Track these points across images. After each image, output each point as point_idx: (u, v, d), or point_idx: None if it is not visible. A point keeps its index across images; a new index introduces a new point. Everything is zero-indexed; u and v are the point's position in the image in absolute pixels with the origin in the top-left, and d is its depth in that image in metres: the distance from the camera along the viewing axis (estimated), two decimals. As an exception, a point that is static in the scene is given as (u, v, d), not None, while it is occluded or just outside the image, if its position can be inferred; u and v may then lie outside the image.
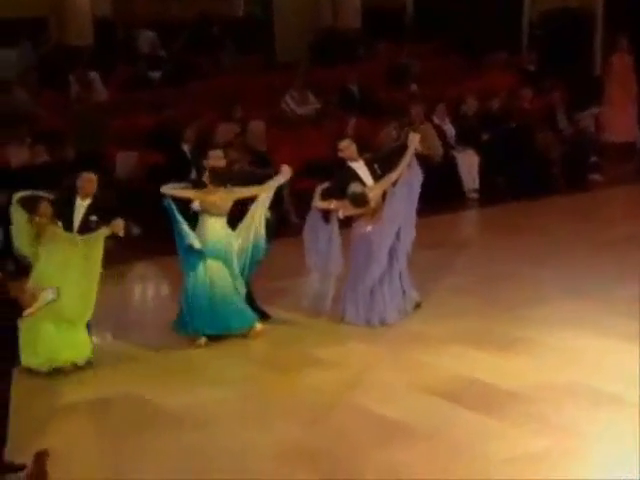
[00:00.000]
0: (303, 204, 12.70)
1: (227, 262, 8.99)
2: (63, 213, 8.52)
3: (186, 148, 12.66)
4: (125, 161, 12.71)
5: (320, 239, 9.35)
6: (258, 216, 9.10)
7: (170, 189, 8.98)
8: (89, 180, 8.67)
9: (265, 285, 9.73)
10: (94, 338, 8.82)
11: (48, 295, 7.14)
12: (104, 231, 8.38)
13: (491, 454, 7.02)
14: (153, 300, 10.85)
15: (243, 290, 9.12)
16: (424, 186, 9.58)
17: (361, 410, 7.70)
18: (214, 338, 9.00)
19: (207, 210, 9.00)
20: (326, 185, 9.42)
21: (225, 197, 8.98)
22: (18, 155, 11.95)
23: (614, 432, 7.23)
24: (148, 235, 11.91)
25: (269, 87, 14.42)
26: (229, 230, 9.07)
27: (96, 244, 8.36)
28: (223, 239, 9.00)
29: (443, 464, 6.92)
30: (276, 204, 12.45)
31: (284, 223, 12.44)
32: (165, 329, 9.18)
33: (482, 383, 8.12)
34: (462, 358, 8.62)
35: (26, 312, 6.95)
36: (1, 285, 6.74)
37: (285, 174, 9.26)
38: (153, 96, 13.81)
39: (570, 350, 8.63)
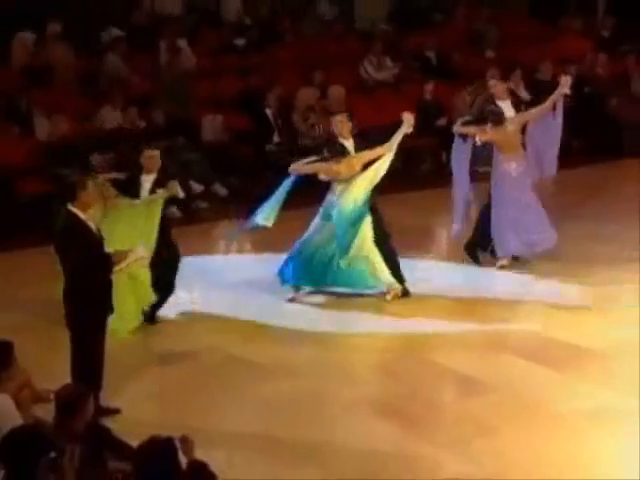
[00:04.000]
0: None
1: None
2: (129, 190, 8.35)
3: (269, 112, 12.66)
4: (211, 124, 12.74)
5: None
6: (378, 174, 8.82)
7: (297, 167, 8.92)
8: (151, 157, 8.49)
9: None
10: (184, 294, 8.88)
11: (138, 253, 7.21)
12: (162, 194, 8.21)
13: (563, 408, 6.94)
14: (237, 258, 10.87)
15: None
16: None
17: (435, 366, 7.65)
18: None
19: (334, 179, 8.84)
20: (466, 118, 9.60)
21: (351, 165, 8.79)
22: (111, 118, 12.05)
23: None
24: (234, 196, 11.96)
25: (349, 53, 14.30)
26: (353, 193, 8.80)
27: (155, 206, 8.18)
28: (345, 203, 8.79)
29: (516, 417, 6.87)
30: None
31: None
32: (247, 286, 9.17)
33: (554, 340, 8.02)
34: (535, 316, 8.49)
35: (117, 268, 7.03)
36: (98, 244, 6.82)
37: (407, 122, 8.95)
38: (238, 62, 13.80)
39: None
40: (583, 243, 10.07)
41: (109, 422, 6.19)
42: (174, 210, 11.74)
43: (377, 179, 8.80)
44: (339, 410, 7.04)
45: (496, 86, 9.75)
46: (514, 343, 8.01)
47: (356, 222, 8.73)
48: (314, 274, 8.85)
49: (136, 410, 6.98)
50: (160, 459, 4.75)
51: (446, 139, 12.73)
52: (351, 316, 8.79)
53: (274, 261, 9.22)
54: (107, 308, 6.90)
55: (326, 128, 12.38)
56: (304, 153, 12.48)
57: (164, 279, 8.36)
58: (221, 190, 12.23)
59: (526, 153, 9.57)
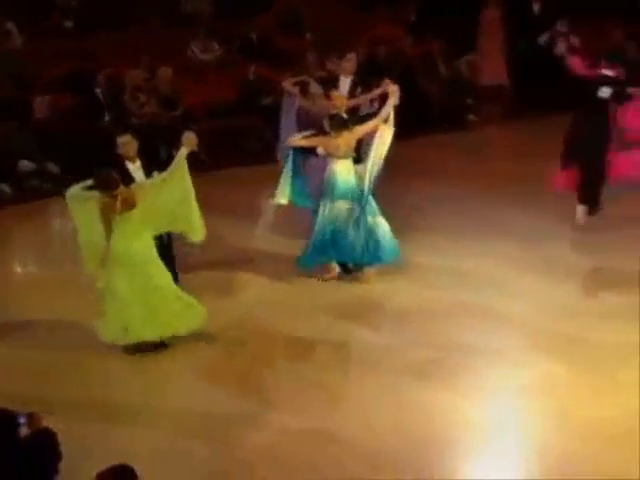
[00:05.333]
0: (209, 142, 12.67)
1: (355, 201, 8.53)
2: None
3: (98, 92, 12.40)
4: (41, 104, 12.31)
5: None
6: (380, 147, 8.54)
7: (296, 140, 8.65)
8: (126, 143, 7.58)
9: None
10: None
11: None
12: (183, 151, 7.38)
13: (387, 365, 7.11)
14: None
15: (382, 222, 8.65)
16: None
17: (266, 331, 7.72)
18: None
19: (333, 154, 8.52)
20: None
21: (349, 138, 8.51)
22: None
23: (501, 346, 7.38)
24: (66, 173, 11.60)
25: (177, 36, 14.13)
26: (355, 169, 8.56)
27: (182, 169, 7.34)
28: (351, 180, 8.52)
29: (346, 374, 7.09)
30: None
31: (194, 160, 12.30)
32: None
33: (373, 302, 8.19)
34: (354, 282, 8.62)
35: None
36: None
37: (394, 94, 8.68)
38: (67, 44, 13.41)
39: (454, 271, 8.76)
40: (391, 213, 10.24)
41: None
42: (5, 187, 11.36)
43: (384, 153, 8.56)
44: (177, 374, 7.05)
45: (350, 60, 9.51)
46: (340, 307, 8.15)
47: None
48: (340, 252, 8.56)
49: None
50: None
51: (271, 118, 12.91)
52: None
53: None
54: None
55: (154, 106, 12.34)
56: (135, 131, 12.38)
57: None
58: (54, 168, 11.86)
59: None
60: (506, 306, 7.98)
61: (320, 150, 8.61)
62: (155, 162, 7.56)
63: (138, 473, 4.38)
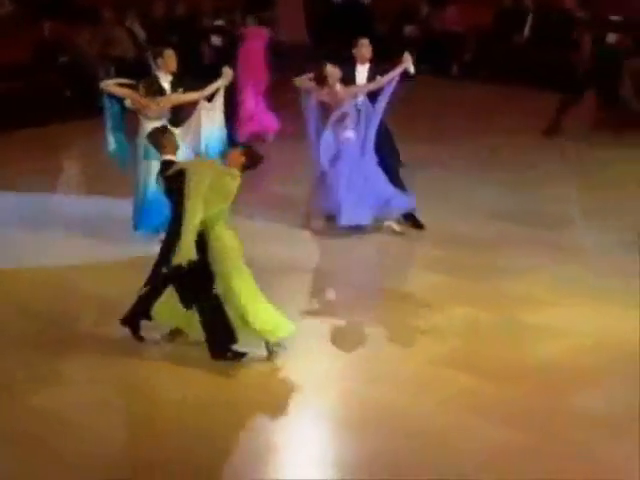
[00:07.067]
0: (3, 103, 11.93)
1: None
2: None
3: None
4: None
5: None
6: (202, 119, 8.19)
7: (108, 85, 8.22)
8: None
9: None
10: None
11: None
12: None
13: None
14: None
15: None
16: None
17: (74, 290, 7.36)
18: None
19: (142, 113, 8.12)
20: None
21: (162, 103, 8.14)
22: None
23: (320, 303, 7.34)
24: None
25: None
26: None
27: None
28: None
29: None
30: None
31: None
32: None
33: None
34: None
35: None
36: None
37: (226, 77, 8.34)
38: None
39: (277, 231, 8.53)
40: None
41: None
42: None
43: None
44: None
45: (363, 46, 8.80)
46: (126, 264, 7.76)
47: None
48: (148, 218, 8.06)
49: None
50: None
51: (68, 76, 12.30)
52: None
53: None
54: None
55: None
56: None
57: None
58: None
59: None
60: (328, 263, 7.95)
61: (128, 103, 8.29)
62: None
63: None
